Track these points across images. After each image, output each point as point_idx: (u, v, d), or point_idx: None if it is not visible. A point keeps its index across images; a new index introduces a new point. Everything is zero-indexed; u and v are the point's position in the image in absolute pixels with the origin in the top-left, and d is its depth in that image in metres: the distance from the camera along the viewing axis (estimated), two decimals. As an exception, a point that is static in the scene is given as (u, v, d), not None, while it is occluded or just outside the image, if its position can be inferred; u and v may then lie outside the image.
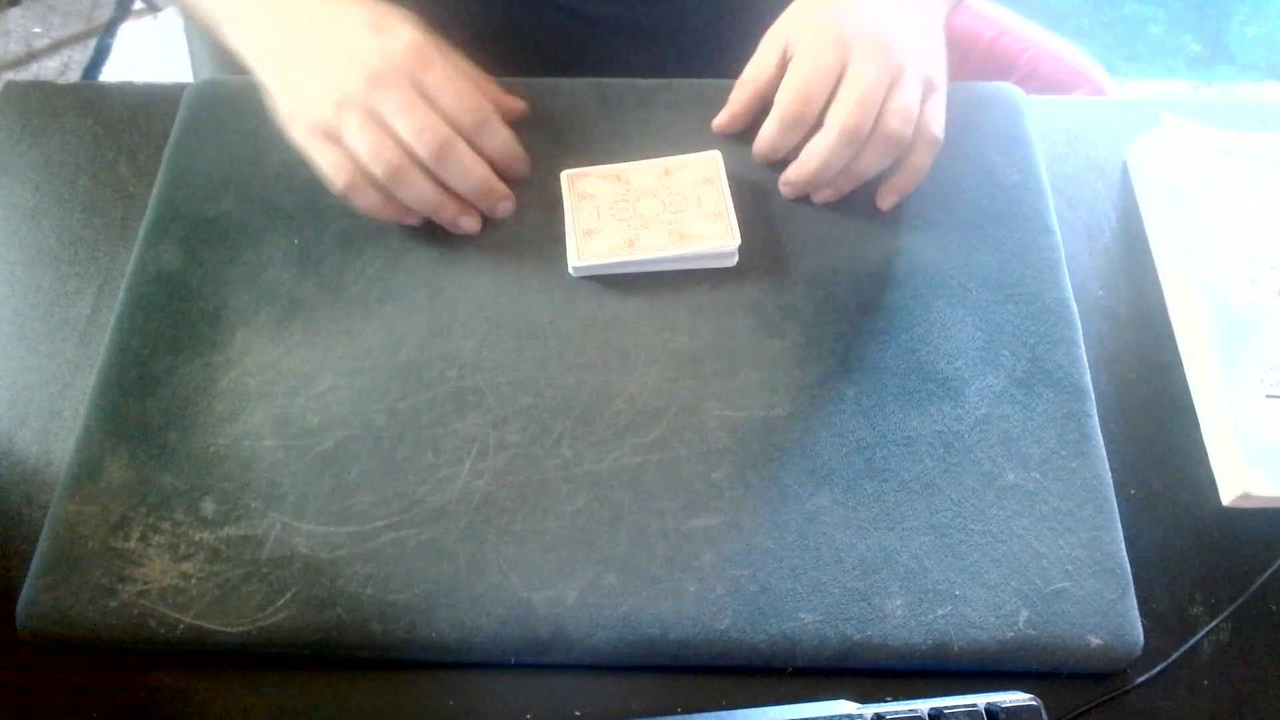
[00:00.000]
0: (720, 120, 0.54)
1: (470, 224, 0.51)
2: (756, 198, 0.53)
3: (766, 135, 0.52)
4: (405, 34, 0.48)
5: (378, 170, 0.47)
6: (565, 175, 0.53)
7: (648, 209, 0.51)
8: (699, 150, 0.53)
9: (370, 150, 0.46)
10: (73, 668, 0.43)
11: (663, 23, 0.63)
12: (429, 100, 0.47)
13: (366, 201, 0.49)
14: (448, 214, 0.50)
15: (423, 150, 0.47)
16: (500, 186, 0.51)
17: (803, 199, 0.53)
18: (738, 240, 0.49)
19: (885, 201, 0.52)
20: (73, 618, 0.42)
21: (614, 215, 0.51)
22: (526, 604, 0.42)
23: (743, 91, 0.54)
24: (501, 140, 0.50)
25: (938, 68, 0.51)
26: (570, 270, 0.50)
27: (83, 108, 0.59)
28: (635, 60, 0.64)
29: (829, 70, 0.49)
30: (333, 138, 0.47)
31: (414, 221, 0.51)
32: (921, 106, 0.49)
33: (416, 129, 0.46)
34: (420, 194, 0.48)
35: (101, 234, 0.54)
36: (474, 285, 0.50)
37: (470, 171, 0.49)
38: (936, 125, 0.50)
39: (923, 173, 0.51)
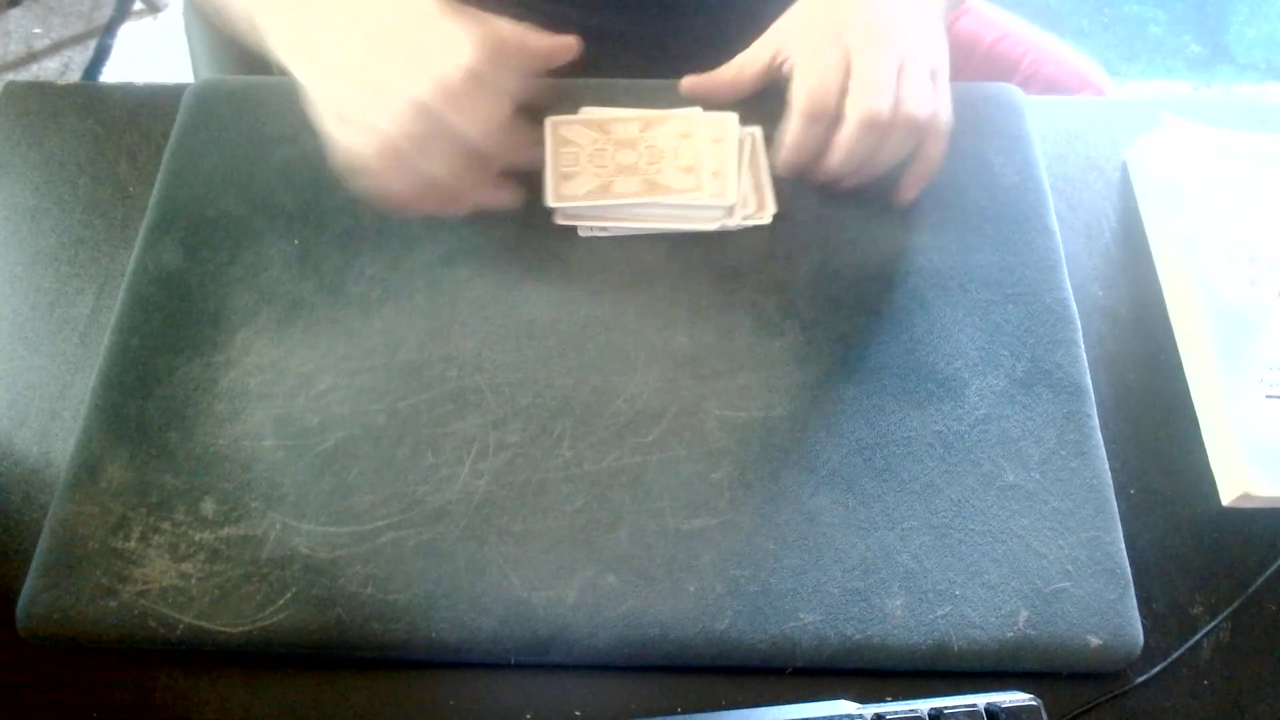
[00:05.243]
0: (689, 81, 0.54)
1: (510, 197, 0.49)
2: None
3: (789, 134, 0.50)
4: (464, 47, 0.44)
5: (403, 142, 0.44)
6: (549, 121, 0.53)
7: (625, 158, 0.51)
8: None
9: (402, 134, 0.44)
10: (73, 667, 0.43)
11: (658, 33, 0.63)
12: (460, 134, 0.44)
13: (390, 176, 0.45)
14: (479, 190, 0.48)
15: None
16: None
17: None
18: (709, 197, 0.50)
19: (910, 192, 0.51)
20: (73, 618, 0.42)
21: (591, 162, 0.52)
22: (526, 604, 0.42)
23: (726, 70, 0.53)
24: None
25: (940, 57, 0.51)
26: (550, 209, 0.51)
27: (83, 108, 0.59)
28: (632, 68, 0.64)
29: (836, 66, 0.48)
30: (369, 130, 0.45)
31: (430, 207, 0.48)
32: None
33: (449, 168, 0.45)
34: (444, 160, 0.45)
35: (101, 234, 0.54)
36: (474, 285, 0.50)
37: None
38: (946, 111, 0.50)
39: (939, 159, 0.50)
